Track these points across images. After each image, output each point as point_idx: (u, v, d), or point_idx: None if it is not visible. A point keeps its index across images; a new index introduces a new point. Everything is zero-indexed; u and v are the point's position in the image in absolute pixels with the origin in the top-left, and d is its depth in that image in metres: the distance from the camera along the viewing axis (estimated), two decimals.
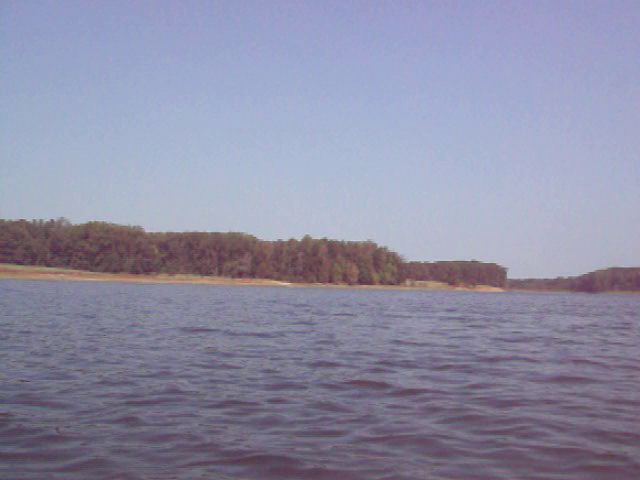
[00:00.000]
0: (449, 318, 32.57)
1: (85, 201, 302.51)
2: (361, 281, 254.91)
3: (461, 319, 31.84)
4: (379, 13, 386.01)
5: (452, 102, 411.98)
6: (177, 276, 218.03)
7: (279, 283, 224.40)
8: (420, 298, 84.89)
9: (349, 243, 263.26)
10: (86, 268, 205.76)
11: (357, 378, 10.68)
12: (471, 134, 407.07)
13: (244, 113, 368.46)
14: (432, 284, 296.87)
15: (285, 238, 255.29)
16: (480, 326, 26.17)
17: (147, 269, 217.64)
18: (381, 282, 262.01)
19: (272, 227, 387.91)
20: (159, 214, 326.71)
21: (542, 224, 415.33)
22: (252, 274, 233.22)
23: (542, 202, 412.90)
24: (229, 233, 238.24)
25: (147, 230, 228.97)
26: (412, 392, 9.53)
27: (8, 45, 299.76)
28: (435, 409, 8.37)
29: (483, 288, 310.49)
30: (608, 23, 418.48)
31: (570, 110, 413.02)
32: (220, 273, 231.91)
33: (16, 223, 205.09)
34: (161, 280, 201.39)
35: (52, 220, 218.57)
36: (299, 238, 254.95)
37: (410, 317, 32.69)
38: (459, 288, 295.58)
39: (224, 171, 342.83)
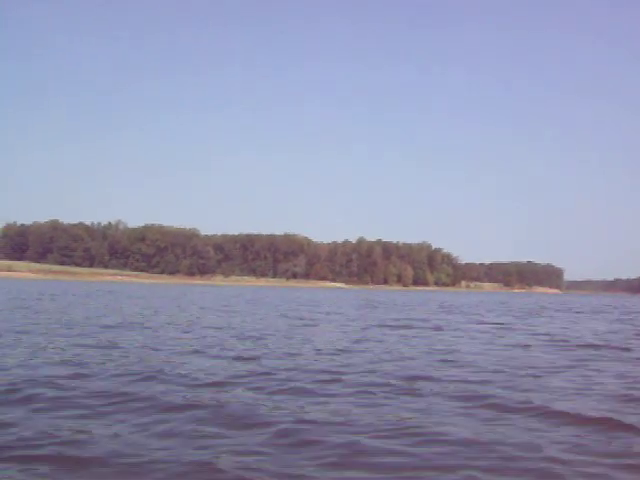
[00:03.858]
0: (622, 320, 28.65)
1: (141, 204, 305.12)
2: (416, 282, 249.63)
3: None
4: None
5: (499, 97, 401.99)
6: (232, 277, 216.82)
7: (334, 285, 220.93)
8: (505, 299, 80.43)
9: (404, 244, 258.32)
10: (143, 270, 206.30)
11: None
12: (521, 134, 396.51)
13: (294, 115, 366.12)
14: (488, 285, 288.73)
15: (339, 240, 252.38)
16: None
17: (203, 271, 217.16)
18: (436, 283, 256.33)
19: (326, 229, 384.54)
20: (214, 216, 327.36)
21: (598, 223, 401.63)
22: (306, 275, 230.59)
23: (599, 201, 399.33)
24: (284, 235, 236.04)
25: (202, 232, 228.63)
26: None
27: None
28: None
29: (540, 289, 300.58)
30: None
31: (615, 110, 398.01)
32: (275, 275, 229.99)
33: (75, 226, 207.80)
34: (217, 282, 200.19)
35: (109, 223, 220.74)
36: (353, 239, 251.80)
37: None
38: (515, 290, 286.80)
39: (278, 173, 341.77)
